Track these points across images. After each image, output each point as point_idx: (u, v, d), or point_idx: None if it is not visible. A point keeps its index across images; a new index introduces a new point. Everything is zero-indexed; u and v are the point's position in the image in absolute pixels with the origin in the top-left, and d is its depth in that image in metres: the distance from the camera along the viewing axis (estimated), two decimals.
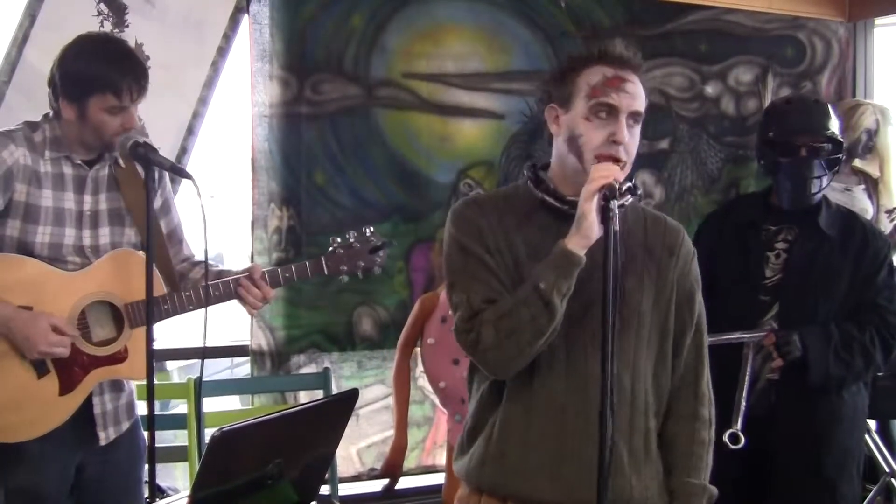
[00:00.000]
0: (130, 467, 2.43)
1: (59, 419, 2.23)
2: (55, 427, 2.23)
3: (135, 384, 2.45)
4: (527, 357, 1.77)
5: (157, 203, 2.42)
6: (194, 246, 2.54)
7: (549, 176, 1.89)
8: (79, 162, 2.30)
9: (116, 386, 2.36)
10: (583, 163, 1.79)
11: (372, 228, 2.52)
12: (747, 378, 2.68)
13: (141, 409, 2.55)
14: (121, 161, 2.35)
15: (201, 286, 2.33)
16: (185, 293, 2.33)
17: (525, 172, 1.92)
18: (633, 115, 1.79)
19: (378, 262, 2.51)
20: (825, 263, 2.74)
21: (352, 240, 2.48)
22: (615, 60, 1.80)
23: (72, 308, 2.24)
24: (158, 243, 2.35)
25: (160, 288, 2.29)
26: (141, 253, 2.31)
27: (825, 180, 2.78)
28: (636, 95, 1.79)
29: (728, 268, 2.81)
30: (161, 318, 2.29)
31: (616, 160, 1.77)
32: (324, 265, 2.45)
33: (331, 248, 2.48)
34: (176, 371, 5.29)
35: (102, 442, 2.32)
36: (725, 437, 2.59)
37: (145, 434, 2.44)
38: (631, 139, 1.80)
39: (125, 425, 2.39)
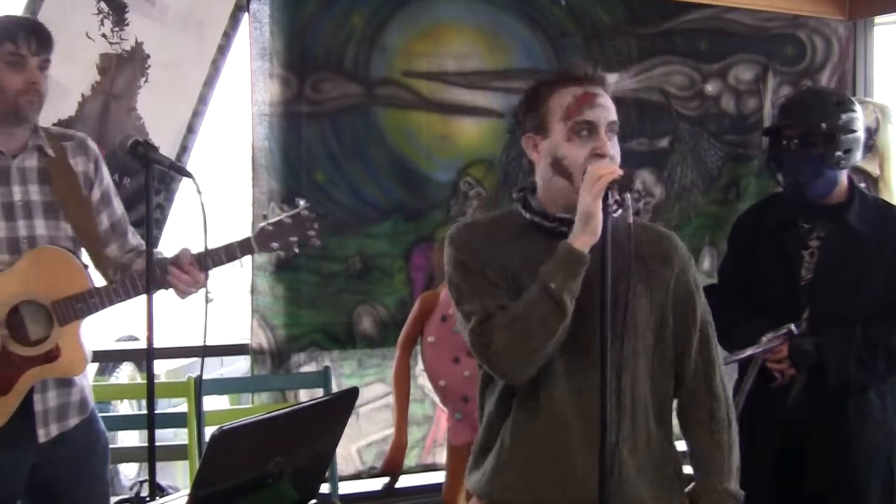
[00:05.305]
0: (84, 461, 2.38)
1: None
2: None
3: (88, 380, 2.42)
4: (539, 360, 1.78)
5: (96, 195, 2.39)
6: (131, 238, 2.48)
7: (538, 199, 1.92)
8: (1, 150, 2.25)
9: (63, 382, 2.31)
10: (573, 182, 1.82)
11: (304, 201, 2.46)
12: (744, 395, 2.54)
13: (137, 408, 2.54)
14: (48, 150, 2.30)
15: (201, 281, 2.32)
16: (111, 285, 2.29)
17: (514, 196, 1.97)
18: (610, 126, 1.84)
19: (313, 235, 2.43)
20: (857, 261, 2.62)
21: (283, 216, 2.41)
22: (580, 80, 1.85)
23: None
24: (89, 236, 2.33)
25: (87, 282, 2.25)
26: (62, 249, 2.28)
27: (829, 174, 2.61)
28: (608, 107, 1.84)
29: (767, 270, 2.72)
30: (91, 313, 2.27)
31: None
32: (252, 243, 2.38)
33: (260, 226, 2.41)
34: (164, 374, 5.18)
35: (41, 439, 2.26)
36: None
37: (104, 428, 2.45)
38: (613, 149, 1.84)
39: (73, 421, 2.33)
